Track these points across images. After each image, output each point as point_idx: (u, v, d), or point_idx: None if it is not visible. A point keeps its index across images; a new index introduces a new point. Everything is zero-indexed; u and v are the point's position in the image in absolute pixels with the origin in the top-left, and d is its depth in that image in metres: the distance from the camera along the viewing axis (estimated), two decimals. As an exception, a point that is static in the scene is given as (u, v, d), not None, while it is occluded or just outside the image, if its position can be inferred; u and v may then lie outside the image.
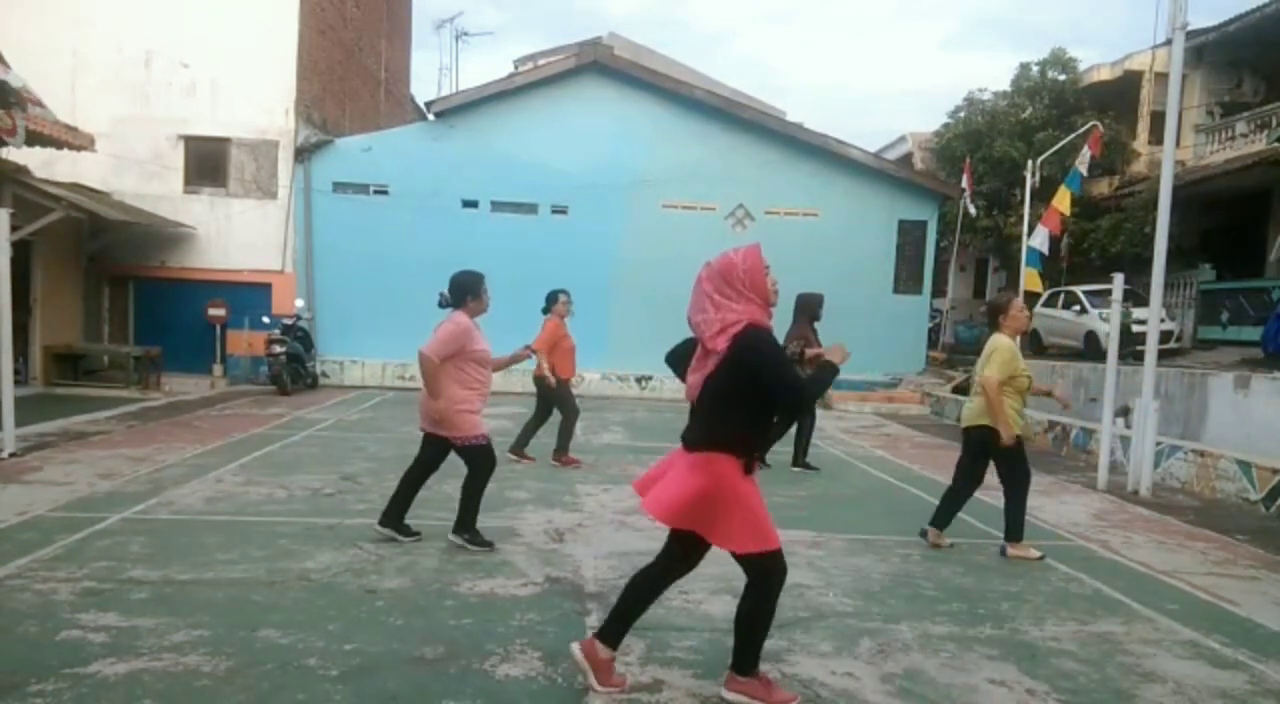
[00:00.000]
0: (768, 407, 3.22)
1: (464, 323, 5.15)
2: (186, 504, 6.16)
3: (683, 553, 3.37)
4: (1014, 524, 5.70)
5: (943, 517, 5.85)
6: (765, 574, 3.26)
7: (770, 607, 3.30)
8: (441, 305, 5.34)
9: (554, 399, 8.35)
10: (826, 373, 3.37)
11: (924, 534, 5.88)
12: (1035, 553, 5.66)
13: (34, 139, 10.80)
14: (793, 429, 8.59)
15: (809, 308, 8.68)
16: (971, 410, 5.75)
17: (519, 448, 8.40)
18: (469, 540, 5.29)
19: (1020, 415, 5.66)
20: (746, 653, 3.32)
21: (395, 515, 5.43)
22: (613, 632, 3.39)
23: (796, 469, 8.55)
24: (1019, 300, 5.90)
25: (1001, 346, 5.55)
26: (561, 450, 8.37)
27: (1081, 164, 14.31)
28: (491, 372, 5.36)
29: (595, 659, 3.36)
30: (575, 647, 3.42)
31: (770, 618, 3.33)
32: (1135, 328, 12.37)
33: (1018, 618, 4.47)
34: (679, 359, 3.49)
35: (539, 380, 8.23)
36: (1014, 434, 5.49)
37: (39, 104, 10.67)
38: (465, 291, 5.24)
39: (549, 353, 8.06)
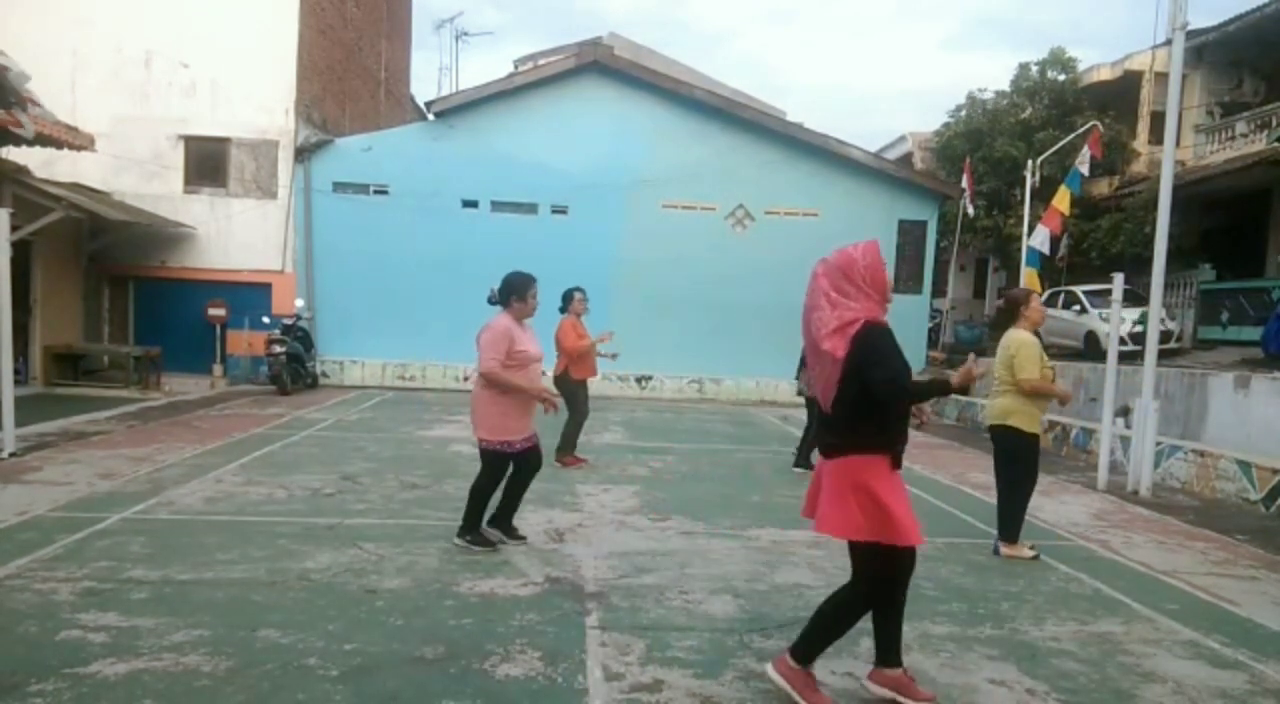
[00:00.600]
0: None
1: (501, 325, 5.19)
2: (186, 504, 6.16)
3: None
4: (1012, 524, 5.70)
5: (1010, 528, 5.73)
6: (864, 570, 3.25)
7: (855, 610, 3.28)
8: (490, 302, 5.41)
9: (566, 398, 8.35)
10: (937, 387, 3.32)
11: (996, 551, 5.74)
12: (1029, 552, 5.66)
13: (34, 139, 10.79)
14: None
15: None
16: (992, 409, 5.73)
17: (563, 455, 8.33)
18: (470, 542, 5.29)
19: (1042, 411, 5.66)
20: (810, 643, 3.31)
21: (502, 520, 5.50)
22: (886, 650, 3.38)
23: (799, 470, 8.56)
24: (1037, 295, 5.90)
25: (1026, 342, 5.53)
26: (564, 450, 8.37)
27: (1082, 164, 14.30)
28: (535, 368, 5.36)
29: (897, 681, 3.35)
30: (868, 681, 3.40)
31: (848, 621, 3.30)
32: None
33: (1018, 618, 4.47)
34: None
35: (558, 380, 8.22)
36: (1065, 391, 5.75)
37: (36, 104, 10.66)
38: (511, 292, 5.30)
39: (576, 351, 8.14)
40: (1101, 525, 6.83)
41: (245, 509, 6.09)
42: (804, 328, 3.29)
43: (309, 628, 3.88)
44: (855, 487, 3.16)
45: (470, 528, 5.33)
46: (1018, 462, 5.62)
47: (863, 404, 3.15)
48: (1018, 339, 5.56)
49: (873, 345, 3.13)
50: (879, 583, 3.27)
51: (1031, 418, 5.55)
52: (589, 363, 8.36)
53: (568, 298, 8.23)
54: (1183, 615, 4.63)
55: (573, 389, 8.26)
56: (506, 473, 5.37)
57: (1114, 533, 6.58)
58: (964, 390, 3.25)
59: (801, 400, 9.25)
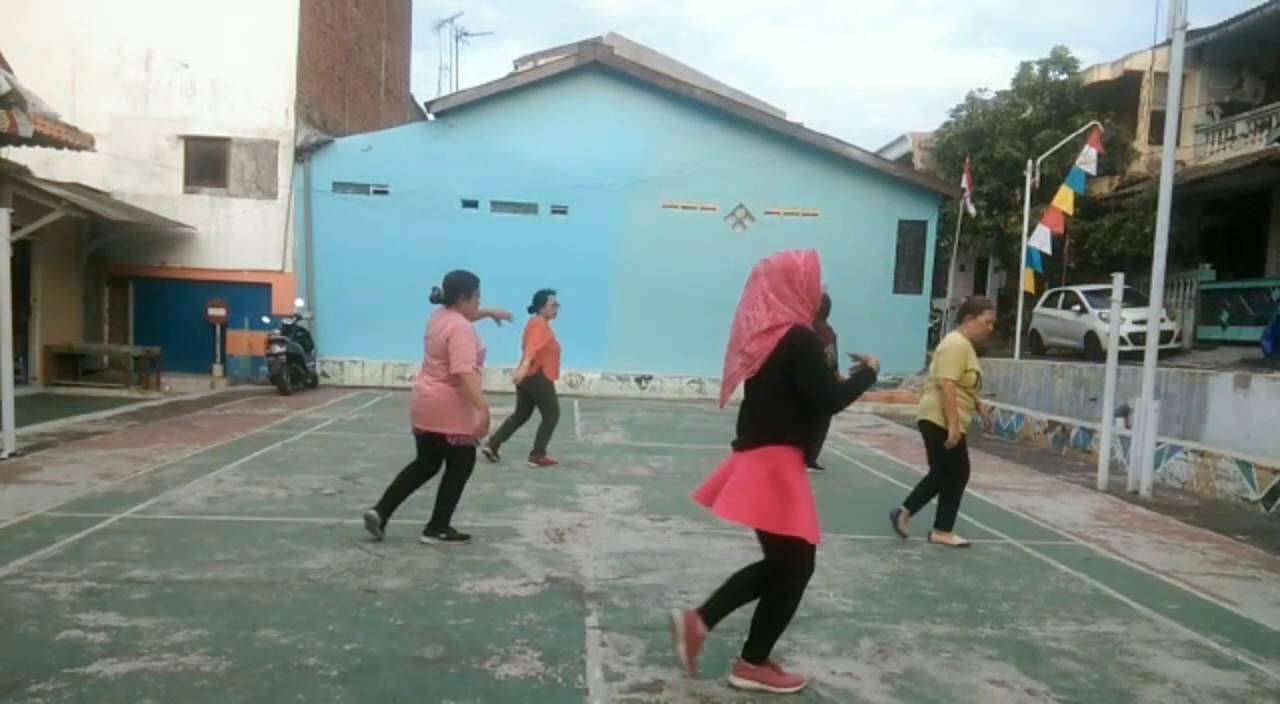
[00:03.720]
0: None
1: (467, 325, 5.24)
2: (186, 504, 6.16)
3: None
4: (945, 514, 5.90)
5: (916, 501, 6.05)
6: (787, 565, 3.33)
7: (790, 605, 3.39)
8: (433, 300, 5.44)
9: (536, 400, 8.29)
10: (864, 379, 3.49)
11: (894, 517, 6.04)
12: (958, 540, 5.86)
13: (34, 139, 10.80)
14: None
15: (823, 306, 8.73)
16: (922, 405, 6.00)
17: (495, 444, 8.26)
18: (447, 538, 5.38)
19: (968, 412, 5.86)
20: (759, 643, 3.41)
21: (386, 509, 5.43)
22: (716, 613, 3.47)
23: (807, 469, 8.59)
24: (990, 313, 5.92)
25: (954, 345, 5.72)
26: (539, 452, 8.28)
27: (1086, 163, 14.28)
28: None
29: (693, 633, 3.43)
30: (677, 613, 3.49)
31: (788, 614, 3.41)
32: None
33: (1018, 618, 4.47)
34: None
35: (528, 381, 8.16)
36: (960, 432, 5.68)
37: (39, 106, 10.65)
38: (459, 290, 5.31)
39: (539, 354, 8.04)
40: (1101, 525, 6.83)
41: (245, 509, 6.09)
42: (735, 323, 3.37)
43: (309, 628, 3.88)
44: (771, 477, 3.23)
45: (442, 525, 5.41)
46: (943, 454, 5.80)
47: (787, 403, 3.26)
48: (951, 342, 5.77)
49: (804, 350, 3.23)
50: (783, 573, 3.36)
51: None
52: (554, 365, 8.30)
53: (541, 299, 8.15)
54: (1183, 615, 4.63)
55: (546, 390, 8.23)
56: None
57: (1114, 533, 6.58)
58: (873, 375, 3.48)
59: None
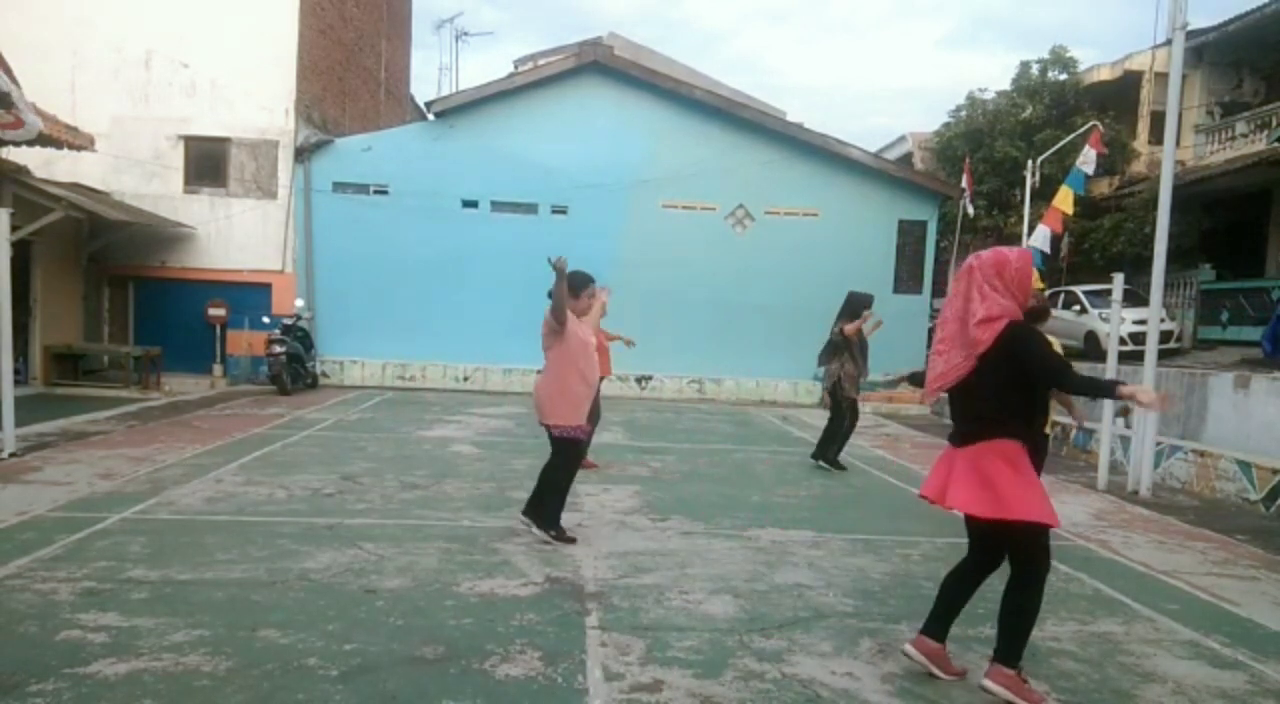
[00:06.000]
0: (1035, 391, 3.45)
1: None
2: (186, 504, 6.16)
3: (991, 547, 3.57)
4: None
5: None
6: (1032, 557, 3.41)
7: (1038, 595, 3.43)
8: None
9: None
10: (1106, 388, 3.48)
11: None
12: None
13: (34, 139, 10.78)
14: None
15: (854, 305, 8.86)
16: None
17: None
18: (556, 537, 5.51)
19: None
20: (1012, 644, 3.42)
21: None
22: (937, 628, 3.64)
23: (822, 464, 8.69)
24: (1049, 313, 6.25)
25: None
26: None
27: (1085, 163, 14.27)
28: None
29: (930, 651, 3.60)
30: (909, 647, 3.64)
31: (1036, 607, 3.45)
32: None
33: (1018, 618, 4.46)
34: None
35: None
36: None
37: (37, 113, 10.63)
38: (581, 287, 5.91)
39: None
40: (1101, 525, 6.83)
41: (245, 509, 6.09)
42: (949, 316, 3.51)
43: (309, 628, 3.88)
44: (1000, 468, 3.34)
45: (556, 522, 5.55)
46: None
47: (1010, 399, 3.36)
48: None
49: (1026, 340, 3.34)
50: (1040, 558, 3.42)
51: None
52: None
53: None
54: (1183, 615, 4.63)
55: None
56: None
57: (1114, 533, 6.58)
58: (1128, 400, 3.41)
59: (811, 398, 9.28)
